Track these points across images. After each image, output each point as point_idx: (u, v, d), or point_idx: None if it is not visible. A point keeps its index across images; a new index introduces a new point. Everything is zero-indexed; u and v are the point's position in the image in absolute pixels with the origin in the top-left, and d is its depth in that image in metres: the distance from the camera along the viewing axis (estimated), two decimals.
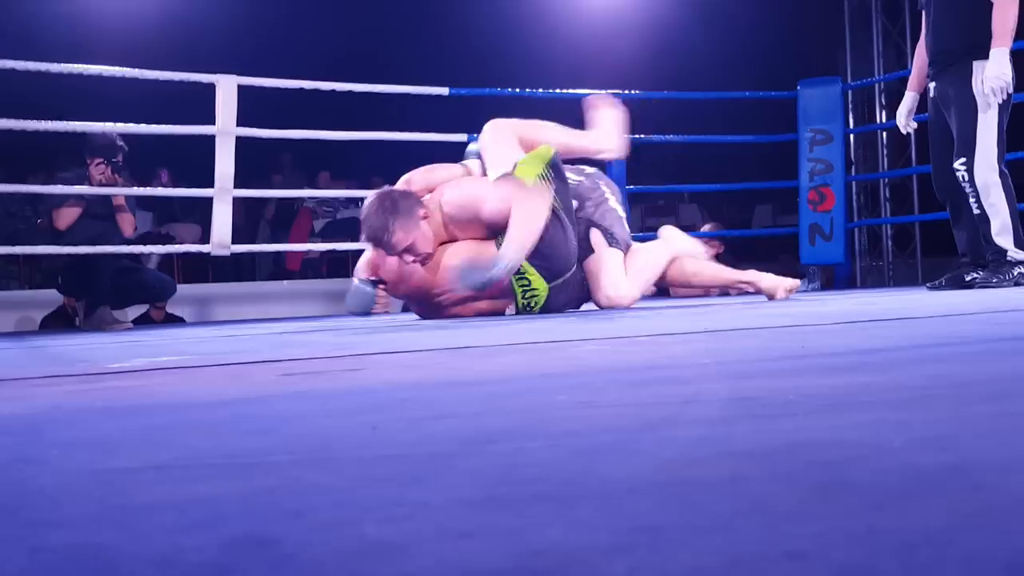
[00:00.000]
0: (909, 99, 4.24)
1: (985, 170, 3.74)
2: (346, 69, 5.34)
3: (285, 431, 0.85)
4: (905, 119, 4.25)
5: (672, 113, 7.26)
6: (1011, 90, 3.76)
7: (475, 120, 5.50)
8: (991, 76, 3.70)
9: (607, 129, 3.75)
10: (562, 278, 3.41)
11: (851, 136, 6.76)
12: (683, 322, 2.47)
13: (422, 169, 3.57)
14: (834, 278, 6.47)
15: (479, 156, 3.65)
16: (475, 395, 1.08)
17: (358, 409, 0.98)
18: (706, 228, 6.65)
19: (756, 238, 8.01)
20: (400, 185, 3.48)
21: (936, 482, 0.52)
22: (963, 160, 3.77)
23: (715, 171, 6.84)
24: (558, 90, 5.64)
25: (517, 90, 5.51)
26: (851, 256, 6.87)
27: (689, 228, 7.62)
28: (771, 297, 3.65)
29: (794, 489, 0.52)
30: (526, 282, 3.34)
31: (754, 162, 7.38)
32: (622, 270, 3.51)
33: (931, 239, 7.15)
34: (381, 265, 3.41)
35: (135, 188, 4.83)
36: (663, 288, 3.98)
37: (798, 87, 6.09)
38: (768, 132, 6.38)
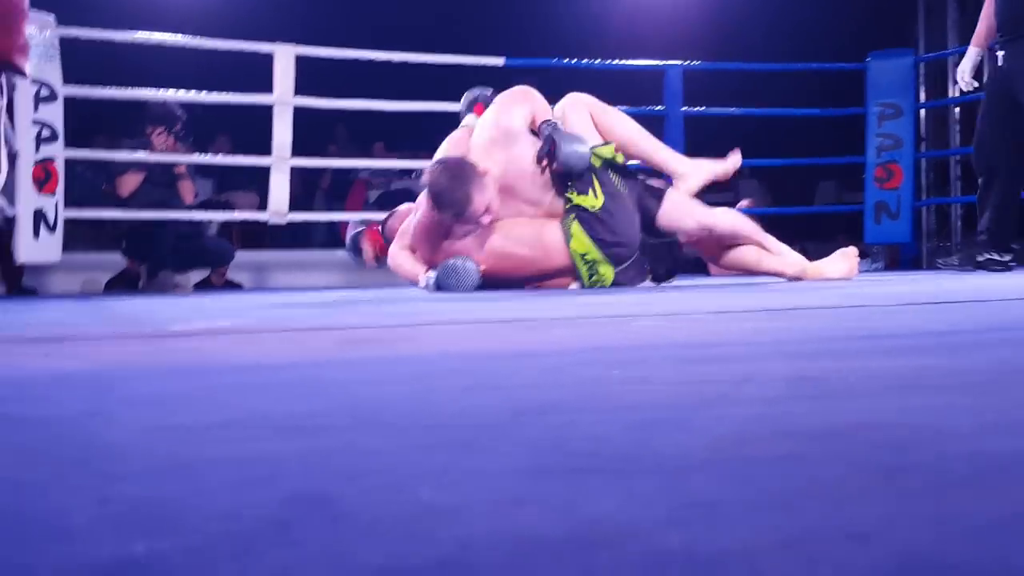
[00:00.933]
0: (973, 54, 4.08)
1: None
2: (401, 40, 5.33)
3: (342, 396, 0.86)
4: (969, 75, 4.09)
5: (733, 85, 7.12)
6: None
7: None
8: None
9: (686, 160, 3.68)
10: (628, 262, 3.42)
11: (922, 111, 6.56)
12: (741, 300, 2.45)
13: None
14: (900, 258, 6.32)
15: (472, 104, 3.67)
16: (528, 367, 1.08)
17: (412, 377, 0.99)
18: (743, 204, 6.56)
19: (817, 215, 7.87)
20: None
21: (1006, 468, 0.51)
22: None
23: (777, 145, 6.71)
24: (616, 61, 5.57)
25: (574, 60, 5.46)
26: (918, 236, 6.70)
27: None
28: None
29: (856, 470, 0.51)
30: (593, 269, 3.36)
31: (819, 137, 7.22)
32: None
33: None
34: (424, 241, 3.43)
35: (195, 156, 4.90)
36: (702, 263, 3.90)
37: (868, 59, 5.93)
38: (835, 105, 6.23)
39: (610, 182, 3.38)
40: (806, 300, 2.29)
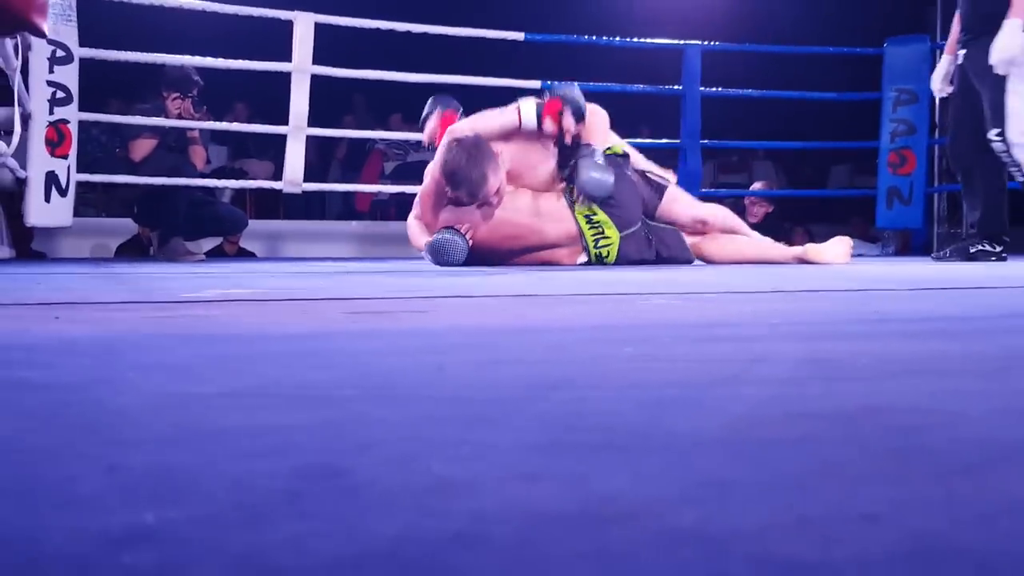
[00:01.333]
0: (946, 62, 4.14)
1: (1018, 137, 3.68)
2: (421, 11, 5.30)
3: (352, 367, 0.86)
4: (941, 83, 4.16)
5: (750, 66, 7.07)
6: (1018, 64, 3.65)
7: (549, 66, 5.44)
8: (999, 47, 3.62)
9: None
10: (631, 229, 3.48)
11: (937, 98, 6.50)
12: (752, 281, 2.44)
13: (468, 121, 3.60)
14: (910, 244, 6.29)
15: (545, 96, 3.68)
16: (539, 342, 1.08)
17: (423, 350, 0.99)
18: (757, 186, 6.52)
19: (829, 199, 7.82)
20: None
21: (1017, 453, 0.51)
22: (997, 131, 3.72)
23: (792, 128, 6.66)
24: (634, 39, 5.54)
25: (593, 37, 5.43)
26: (929, 222, 6.66)
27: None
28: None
29: (868, 453, 0.51)
30: (599, 230, 3.40)
31: (833, 120, 7.17)
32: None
33: (1014, 208, 6.91)
34: (428, 210, 3.46)
35: (210, 122, 4.89)
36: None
37: (885, 44, 5.88)
38: (850, 89, 6.19)
39: (616, 162, 3.46)
40: (817, 282, 2.28)
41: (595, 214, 3.39)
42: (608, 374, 0.82)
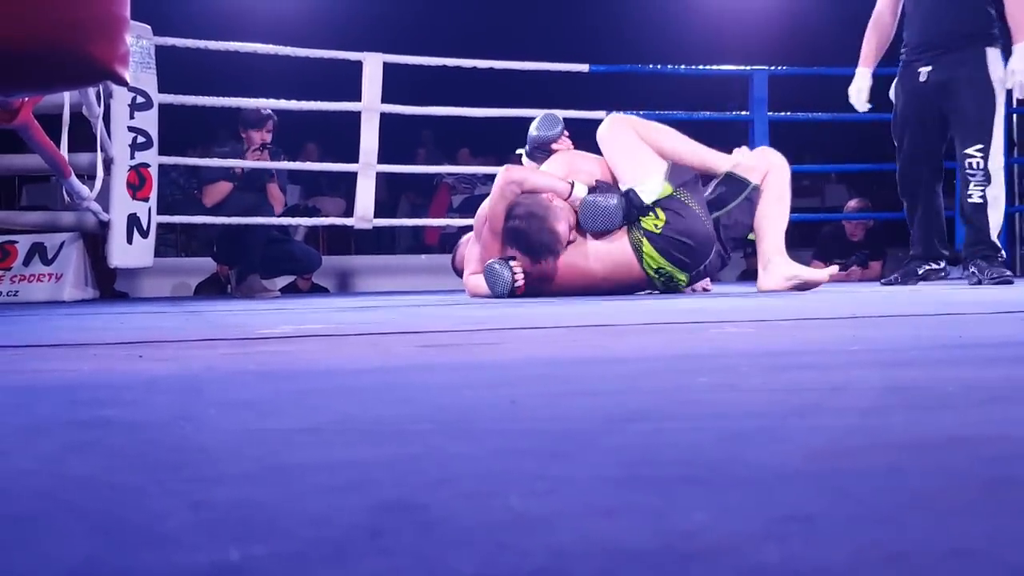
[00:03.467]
0: (866, 75, 4.08)
1: (998, 157, 3.72)
2: (486, 47, 5.37)
3: (427, 401, 0.86)
4: (864, 96, 4.09)
5: (818, 89, 6.99)
6: None
7: (614, 97, 5.45)
8: (1019, 70, 3.63)
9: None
10: (703, 264, 3.46)
11: (1014, 116, 6.33)
12: (828, 306, 2.39)
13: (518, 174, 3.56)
14: None
15: (540, 145, 3.65)
16: (613, 373, 1.07)
17: (497, 382, 0.99)
18: (852, 205, 6.41)
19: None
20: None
21: None
22: (980, 147, 3.70)
23: (865, 150, 6.55)
24: (699, 66, 5.52)
25: (658, 66, 5.42)
26: (1011, 242, 6.46)
27: (836, 208, 7.32)
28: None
29: (959, 484, 0.49)
30: (668, 278, 3.42)
31: None
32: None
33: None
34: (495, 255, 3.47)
35: (284, 162, 5.00)
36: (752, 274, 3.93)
37: None
38: None
39: (672, 202, 3.39)
40: (895, 307, 2.23)
41: (660, 267, 3.38)
42: (684, 405, 0.81)
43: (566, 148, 3.73)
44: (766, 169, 3.55)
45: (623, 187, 3.40)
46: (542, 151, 3.72)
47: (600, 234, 3.38)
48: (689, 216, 3.36)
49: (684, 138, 3.59)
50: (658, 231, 3.34)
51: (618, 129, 3.50)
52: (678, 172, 3.47)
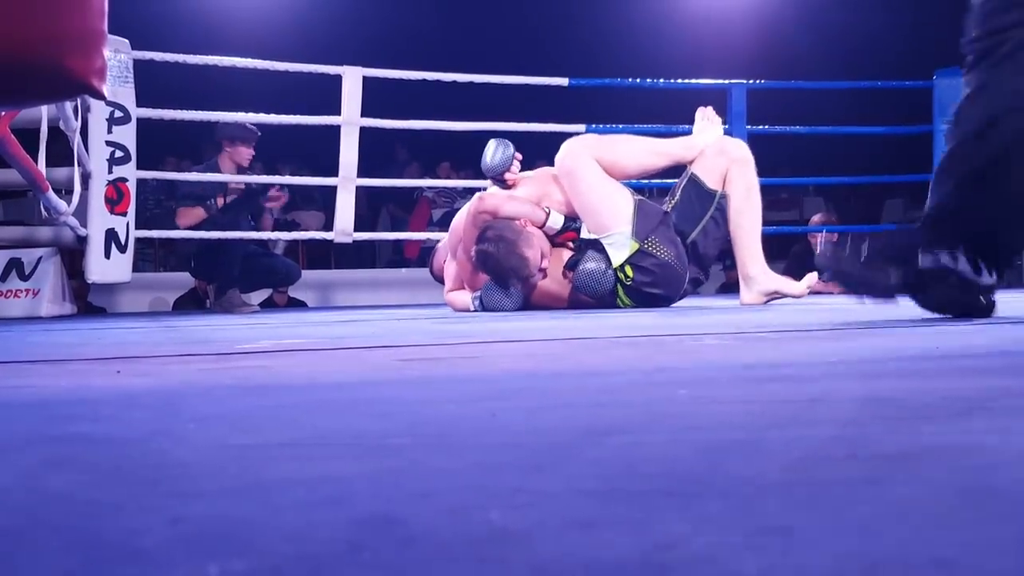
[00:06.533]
0: None
1: None
2: (466, 60, 5.39)
3: (406, 415, 0.86)
4: None
5: (796, 103, 7.05)
6: None
7: (594, 110, 5.47)
8: None
9: (700, 132, 3.71)
10: (676, 297, 3.56)
11: None
12: (807, 318, 2.41)
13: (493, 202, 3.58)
14: None
15: (498, 172, 3.67)
16: (592, 386, 1.07)
17: (476, 396, 0.99)
18: (816, 219, 6.48)
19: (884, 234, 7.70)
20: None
21: None
22: None
23: (843, 164, 6.61)
24: (678, 80, 5.56)
25: (637, 80, 5.46)
26: None
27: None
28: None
29: (936, 495, 0.50)
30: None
31: (885, 155, 7.11)
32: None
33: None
34: (472, 275, 3.52)
35: (261, 176, 4.99)
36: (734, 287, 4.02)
37: (935, 76, 5.82)
38: (901, 123, 6.13)
39: (642, 257, 3.41)
40: (873, 318, 2.24)
41: (635, 305, 3.44)
42: (663, 417, 0.81)
43: (515, 172, 3.71)
44: (725, 167, 3.56)
45: (588, 235, 3.44)
46: (498, 181, 3.73)
47: (595, 296, 3.42)
48: (659, 267, 3.40)
49: (646, 144, 3.64)
50: (629, 283, 3.41)
51: (580, 165, 3.46)
52: (645, 218, 3.43)
